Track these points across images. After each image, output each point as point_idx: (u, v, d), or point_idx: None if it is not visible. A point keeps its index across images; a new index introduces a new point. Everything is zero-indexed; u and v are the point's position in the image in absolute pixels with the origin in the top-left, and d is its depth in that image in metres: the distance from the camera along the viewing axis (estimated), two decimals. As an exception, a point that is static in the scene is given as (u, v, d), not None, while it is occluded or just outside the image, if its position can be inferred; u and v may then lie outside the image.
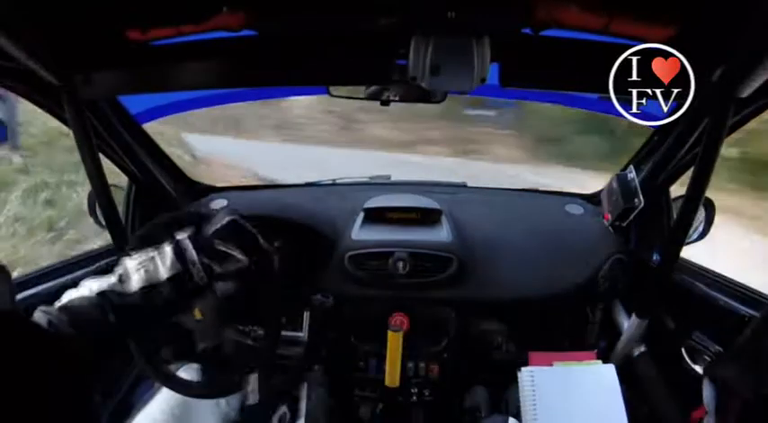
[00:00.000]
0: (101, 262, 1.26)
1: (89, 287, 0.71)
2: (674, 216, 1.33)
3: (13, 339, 0.44)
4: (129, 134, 1.26)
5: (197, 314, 0.90)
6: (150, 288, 0.73)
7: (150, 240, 0.79)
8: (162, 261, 0.74)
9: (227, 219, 0.80)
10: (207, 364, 1.14)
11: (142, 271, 0.73)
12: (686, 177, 1.09)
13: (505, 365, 1.27)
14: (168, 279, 0.74)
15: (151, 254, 0.75)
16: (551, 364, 1.15)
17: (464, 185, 1.77)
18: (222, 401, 1.13)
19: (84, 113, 0.97)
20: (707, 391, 0.48)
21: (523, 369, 1.13)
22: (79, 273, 1.20)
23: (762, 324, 0.40)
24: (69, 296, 0.70)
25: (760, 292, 1.08)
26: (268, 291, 0.89)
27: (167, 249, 0.75)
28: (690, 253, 1.21)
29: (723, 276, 1.18)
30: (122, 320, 0.69)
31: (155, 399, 1.03)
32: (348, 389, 1.42)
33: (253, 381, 0.92)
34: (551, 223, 1.46)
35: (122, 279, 0.73)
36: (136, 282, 0.72)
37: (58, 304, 0.67)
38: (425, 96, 1.13)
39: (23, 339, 0.45)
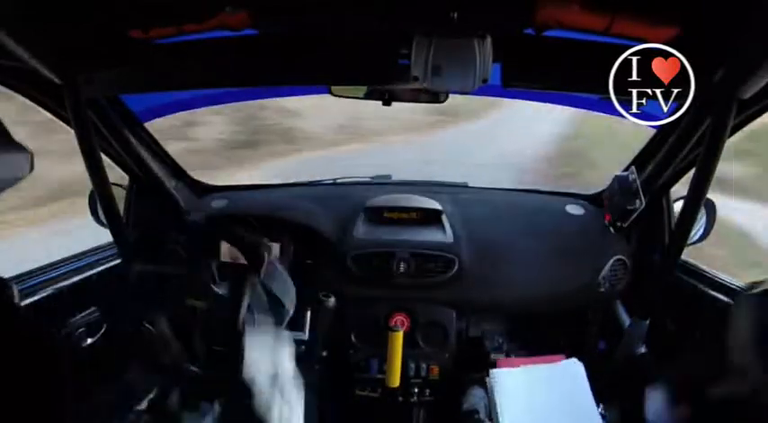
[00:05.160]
0: (101, 261, 1.26)
1: None
2: (676, 217, 1.33)
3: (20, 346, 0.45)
4: (131, 133, 1.26)
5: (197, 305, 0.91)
6: None
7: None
8: None
9: None
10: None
11: None
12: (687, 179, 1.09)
13: None
14: None
15: None
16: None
17: (465, 185, 1.77)
18: None
19: (86, 112, 0.97)
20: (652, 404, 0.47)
21: (490, 372, 1.14)
22: (78, 270, 1.20)
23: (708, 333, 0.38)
24: None
25: None
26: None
27: None
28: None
29: (724, 277, 1.17)
30: None
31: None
32: (349, 388, 1.42)
33: None
34: (552, 224, 1.46)
35: None
36: None
37: None
38: (427, 96, 1.13)
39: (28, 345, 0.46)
